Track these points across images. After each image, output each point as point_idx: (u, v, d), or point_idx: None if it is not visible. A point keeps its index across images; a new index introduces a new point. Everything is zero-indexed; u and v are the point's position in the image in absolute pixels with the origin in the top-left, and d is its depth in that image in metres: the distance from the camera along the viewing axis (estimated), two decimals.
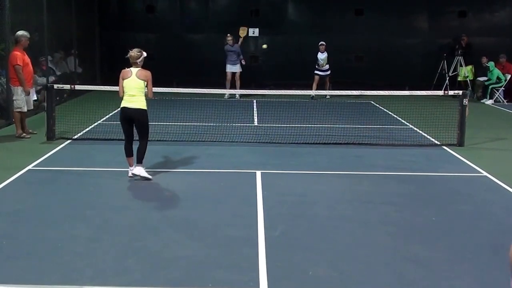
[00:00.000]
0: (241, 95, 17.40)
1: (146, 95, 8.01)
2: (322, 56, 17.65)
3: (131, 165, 8.05)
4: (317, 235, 6.03)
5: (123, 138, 8.08)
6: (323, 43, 17.61)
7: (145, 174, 7.95)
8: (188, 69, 19.03)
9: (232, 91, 16.53)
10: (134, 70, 7.90)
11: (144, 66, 8.02)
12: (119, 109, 8.08)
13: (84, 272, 4.98)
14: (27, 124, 11.23)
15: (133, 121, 7.97)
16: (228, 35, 17.65)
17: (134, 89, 7.84)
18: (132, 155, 8.04)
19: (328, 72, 17.80)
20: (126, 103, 7.91)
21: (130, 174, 8.03)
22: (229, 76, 17.59)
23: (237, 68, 17.67)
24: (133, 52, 7.86)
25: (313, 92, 15.48)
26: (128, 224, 6.26)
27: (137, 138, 8.06)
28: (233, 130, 11.63)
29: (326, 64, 17.72)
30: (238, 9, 20.27)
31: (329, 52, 17.72)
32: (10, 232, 5.98)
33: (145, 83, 7.89)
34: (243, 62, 17.85)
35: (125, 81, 7.90)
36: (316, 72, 17.75)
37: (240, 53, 17.76)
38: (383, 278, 5.02)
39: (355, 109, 14.89)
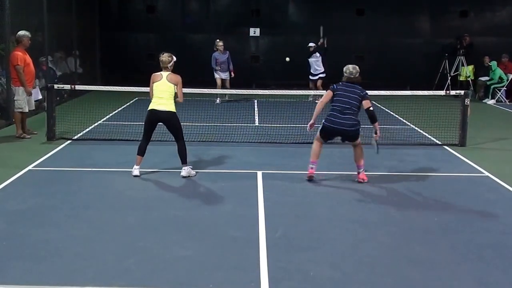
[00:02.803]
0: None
1: (175, 99, 8.19)
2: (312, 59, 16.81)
3: (137, 164, 8.14)
4: (318, 236, 6.00)
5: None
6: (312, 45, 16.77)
7: (193, 173, 8.19)
8: (188, 69, 18.91)
9: (226, 91, 16.08)
10: (164, 73, 8.10)
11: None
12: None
13: (85, 273, 4.96)
14: (27, 124, 11.22)
15: (162, 123, 8.17)
16: (218, 40, 16.28)
17: (164, 92, 8.04)
18: (143, 155, 8.17)
19: (318, 77, 16.62)
20: (155, 105, 8.08)
21: (135, 173, 8.09)
22: (219, 82, 16.22)
23: (227, 75, 16.24)
24: (164, 57, 8.11)
25: (312, 93, 15.45)
26: (128, 224, 6.24)
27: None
28: (234, 130, 11.60)
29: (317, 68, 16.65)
30: (239, 9, 20.30)
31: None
32: (10, 233, 5.96)
33: (175, 86, 8.07)
34: (232, 74, 16.27)
35: (155, 84, 8.10)
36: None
37: (230, 62, 16.22)
38: (385, 279, 4.99)
39: None
